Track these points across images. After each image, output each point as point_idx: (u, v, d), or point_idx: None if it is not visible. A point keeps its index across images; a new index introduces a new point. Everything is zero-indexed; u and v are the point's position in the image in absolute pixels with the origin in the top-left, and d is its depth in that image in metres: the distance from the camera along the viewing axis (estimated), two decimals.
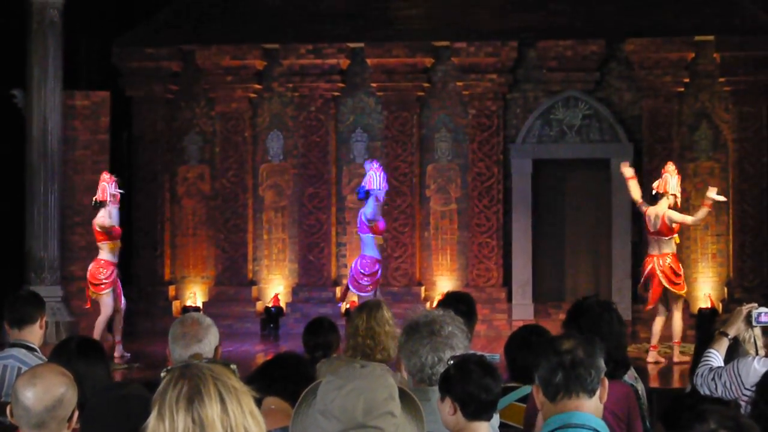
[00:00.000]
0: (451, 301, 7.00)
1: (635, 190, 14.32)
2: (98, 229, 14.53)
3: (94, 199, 14.72)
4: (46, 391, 4.16)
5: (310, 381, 4.96)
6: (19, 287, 14.21)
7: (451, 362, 4.47)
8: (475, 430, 4.42)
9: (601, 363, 4.02)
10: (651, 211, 14.06)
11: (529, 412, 5.31)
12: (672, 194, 14.06)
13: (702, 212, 14.23)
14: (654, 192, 14.20)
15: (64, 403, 4.18)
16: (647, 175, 16.29)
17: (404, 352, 4.78)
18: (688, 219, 14.27)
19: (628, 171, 14.40)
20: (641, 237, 17.09)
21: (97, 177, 16.52)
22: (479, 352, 4.75)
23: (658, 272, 13.92)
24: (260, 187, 18.61)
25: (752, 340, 6.16)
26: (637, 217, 16.86)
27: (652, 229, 14.12)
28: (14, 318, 6.48)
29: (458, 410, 4.38)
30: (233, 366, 4.14)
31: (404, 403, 3.23)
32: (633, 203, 14.86)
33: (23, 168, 16.02)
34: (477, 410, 4.39)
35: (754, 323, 6.05)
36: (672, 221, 13.96)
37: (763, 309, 6.03)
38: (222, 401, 2.92)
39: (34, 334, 6.47)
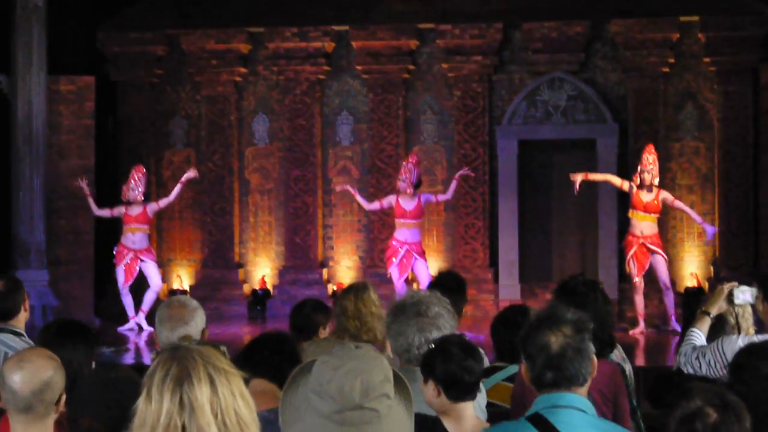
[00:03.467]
0: (443, 280, 7.03)
1: (604, 178, 15.49)
2: None
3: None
4: (33, 375, 4.17)
5: (296, 360, 4.98)
6: (5, 271, 14.20)
7: (432, 345, 4.47)
8: (461, 410, 4.44)
9: (591, 348, 3.86)
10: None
11: (516, 392, 5.33)
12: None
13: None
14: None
15: (52, 386, 4.19)
16: (633, 155, 16.35)
17: (391, 332, 4.78)
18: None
19: (578, 176, 15.14)
20: (627, 216, 17.12)
21: (82, 162, 16.59)
22: (459, 332, 4.76)
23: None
24: (246, 170, 18.58)
25: (745, 315, 6.19)
26: (623, 196, 16.88)
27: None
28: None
29: (442, 392, 4.40)
30: (223, 348, 4.15)
31: (394, 383, 3.23)
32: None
33: (8, 153, 15.99)
34: (460, 392, 4.40)
35: (735, 301, 6.08)
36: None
37: (744, 287, 6.06)
38: (212, 383, 2.91)
39: (19, 319, 6.46)
